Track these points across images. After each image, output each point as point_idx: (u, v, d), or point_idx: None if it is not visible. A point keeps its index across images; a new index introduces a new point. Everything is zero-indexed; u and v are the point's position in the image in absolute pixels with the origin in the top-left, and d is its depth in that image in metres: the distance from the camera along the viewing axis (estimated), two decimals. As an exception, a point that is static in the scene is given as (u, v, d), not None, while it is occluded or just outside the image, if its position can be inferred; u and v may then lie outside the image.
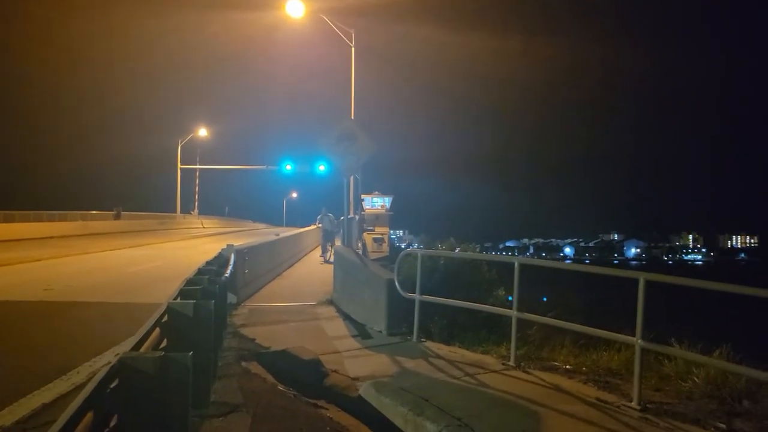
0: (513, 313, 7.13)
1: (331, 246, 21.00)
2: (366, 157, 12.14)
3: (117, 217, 41.30)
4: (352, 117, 20.92)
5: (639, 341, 5.55)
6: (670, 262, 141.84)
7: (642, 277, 5.59)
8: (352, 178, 16.03)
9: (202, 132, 53.81)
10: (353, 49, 20.92)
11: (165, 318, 5.42)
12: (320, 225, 22.58)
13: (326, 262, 20.61)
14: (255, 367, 7.21)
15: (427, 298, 8.39)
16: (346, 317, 10.39)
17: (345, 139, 12.05)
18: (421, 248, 10.49)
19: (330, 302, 11.98)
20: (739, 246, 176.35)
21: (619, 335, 6.02)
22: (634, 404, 5.54)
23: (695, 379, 6.17)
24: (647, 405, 5.54)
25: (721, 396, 5.80)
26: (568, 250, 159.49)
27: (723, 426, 5.04)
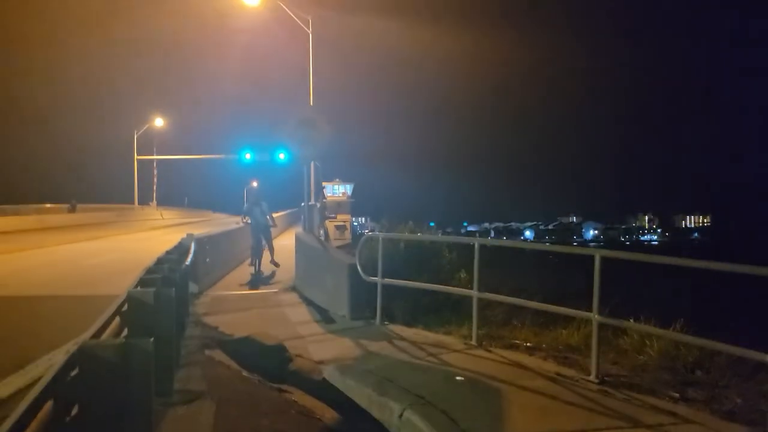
0: (474, 293, 7.25)
1: (269, 246, 15.03)
2: (326, 142, 12.15)
3: (72, 210, 40.27)
4: (311, 104, 20.85)
5: (596, 316, 5.71)
6: (627, 243, 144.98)
7: (597, 254, 5.77)
8: (312, 165, 15.98)
9: (159, 122, 52.78)
10: (311, 35, 20.77)
11: (125, 307, 5.36)
12: (248, 220, 15.18)
13: (256, 274, 14.55)
14: (218, 355, 7.18)
15: (389, 281, 8.45)
16: (309, 303, 10.40)
17: (304, 126, 12.03)
18: (382, 232, 10.55)
19: (293, 289, 11.98)
20: (693, 226, 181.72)
21: (577, 311, 6.17)
22: (592, 378, 5.70)
23: (650, 352, 6.39)
24: (605, 378, 5.71)
25: (675, 367, 6.00)
26: (528, 234, 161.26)
27: (677, 395, 5.23)
